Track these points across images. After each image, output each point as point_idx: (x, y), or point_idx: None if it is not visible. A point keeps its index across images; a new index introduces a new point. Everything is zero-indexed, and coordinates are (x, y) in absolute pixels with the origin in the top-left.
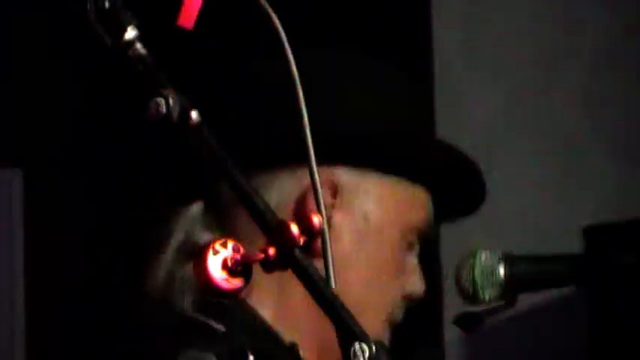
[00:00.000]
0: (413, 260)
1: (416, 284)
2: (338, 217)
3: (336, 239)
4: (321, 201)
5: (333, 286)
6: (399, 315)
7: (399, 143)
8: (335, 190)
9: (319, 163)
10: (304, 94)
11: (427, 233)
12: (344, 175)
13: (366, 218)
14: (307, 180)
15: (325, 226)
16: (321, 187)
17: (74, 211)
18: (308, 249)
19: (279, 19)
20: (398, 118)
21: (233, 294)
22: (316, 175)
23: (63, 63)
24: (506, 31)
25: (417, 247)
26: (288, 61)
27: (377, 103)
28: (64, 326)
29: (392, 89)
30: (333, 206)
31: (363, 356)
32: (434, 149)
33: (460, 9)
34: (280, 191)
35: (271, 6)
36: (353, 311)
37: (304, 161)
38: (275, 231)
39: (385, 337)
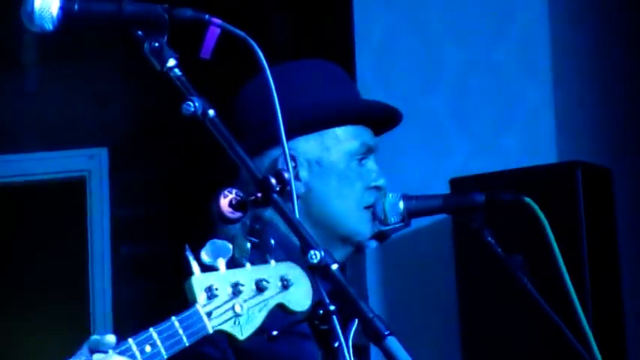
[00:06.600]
0: (369, 164)
1: (376, 178)
2: (303, 172)
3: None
4: (290, 163)
5: (297, 216)
6: (370, 200)
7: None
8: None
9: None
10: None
11: (373, 145)
12: (300, 147)
13: (320, 164)
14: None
15: (292, 177)
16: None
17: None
18: (283, 192)
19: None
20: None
21: (236, 221)
22: (287, 150)
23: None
24: None
25: (371, 155)
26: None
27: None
28: None
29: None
30: (294, 167)
31: (317, 258)
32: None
33: None
34: (267, 161)
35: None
36: (337, 215)
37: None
38: (261, 182)
39: (366, 218)
